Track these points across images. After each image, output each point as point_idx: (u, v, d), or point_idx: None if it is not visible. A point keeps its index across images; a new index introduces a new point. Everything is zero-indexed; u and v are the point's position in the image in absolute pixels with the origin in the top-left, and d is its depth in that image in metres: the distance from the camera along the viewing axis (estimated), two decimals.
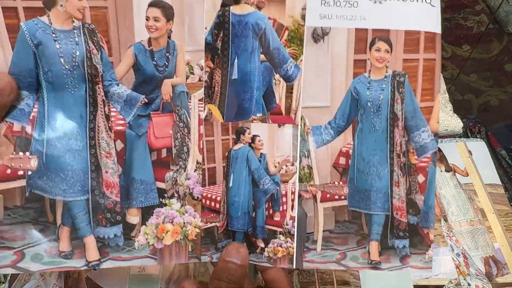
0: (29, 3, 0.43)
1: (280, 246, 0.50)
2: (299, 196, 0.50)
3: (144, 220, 0.48)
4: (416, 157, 0.50)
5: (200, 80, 0.48)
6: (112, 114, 0.48)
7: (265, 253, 0.49)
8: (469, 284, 0.68)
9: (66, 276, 0.56)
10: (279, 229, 0.50)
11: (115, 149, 0.48)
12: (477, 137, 1.04)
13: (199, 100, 0.49)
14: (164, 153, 0.50)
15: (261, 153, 0.51)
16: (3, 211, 0.45)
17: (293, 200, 0.50)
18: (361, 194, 0.51)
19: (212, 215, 0.50)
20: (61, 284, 0.54)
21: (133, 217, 0.49)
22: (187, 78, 0.49)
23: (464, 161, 0.87)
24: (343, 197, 0.51)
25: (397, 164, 0.50)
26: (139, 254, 0.47)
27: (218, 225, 0.50)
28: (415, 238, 0.50)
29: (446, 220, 0.76)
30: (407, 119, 0.50)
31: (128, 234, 0.48)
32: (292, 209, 0.50)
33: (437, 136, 0.49)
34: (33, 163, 0.45)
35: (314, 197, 0.51)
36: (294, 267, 0.50)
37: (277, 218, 0.51)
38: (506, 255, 0.74)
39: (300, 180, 0.50)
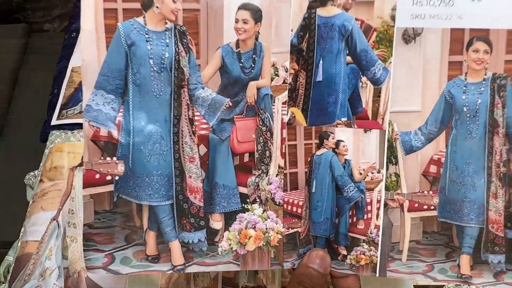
0: (128, 4, 0.43)
1: (363, 254, 0.48)
2: (385, 204, 0.48)
3: (227, 225, 0.48)
4: None
5: (284, 82, 0.47)
6: (196, 118, 0.47)
7: (347, 261, 0.48)
8: None
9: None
10: (362, 237, 0.48)
11: (199, 153, 0.47)
12: None
13: (283, 103, 0.47)
14: (246, 157, 0.49)
15: (346, 159, 0.49)
16: (93, 215, 0.45)
17: (378, 209, 0.48)
18: (453, 205, 0.48)
19: (293, 220, 0.49)
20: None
21: (216, 222, 0.48)
22: (271, 80, 0.47)
23: None
24: (432, 207, 0.48)
25: (495, 175, 0.47)
26: (222, 259, 0.47)
27: (299, 230, 0.49)
28: None
29: None
30: (509, 126, 0.46)
31: (211, 239, 0.48)
32: (377, 218, 0.48)
33: None
34: (120, 168, 0.45)
35: (401, 206, 0.49)
36: (378, 275, 0.48)
37: (361, 226, 0.49)
38: None
39: (386, 188, 0.47)
